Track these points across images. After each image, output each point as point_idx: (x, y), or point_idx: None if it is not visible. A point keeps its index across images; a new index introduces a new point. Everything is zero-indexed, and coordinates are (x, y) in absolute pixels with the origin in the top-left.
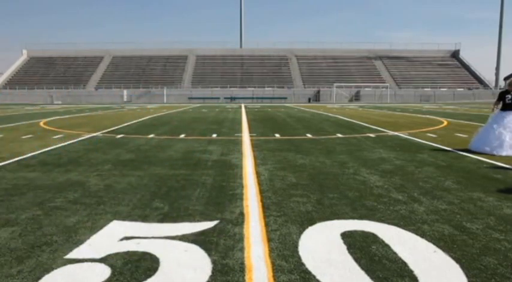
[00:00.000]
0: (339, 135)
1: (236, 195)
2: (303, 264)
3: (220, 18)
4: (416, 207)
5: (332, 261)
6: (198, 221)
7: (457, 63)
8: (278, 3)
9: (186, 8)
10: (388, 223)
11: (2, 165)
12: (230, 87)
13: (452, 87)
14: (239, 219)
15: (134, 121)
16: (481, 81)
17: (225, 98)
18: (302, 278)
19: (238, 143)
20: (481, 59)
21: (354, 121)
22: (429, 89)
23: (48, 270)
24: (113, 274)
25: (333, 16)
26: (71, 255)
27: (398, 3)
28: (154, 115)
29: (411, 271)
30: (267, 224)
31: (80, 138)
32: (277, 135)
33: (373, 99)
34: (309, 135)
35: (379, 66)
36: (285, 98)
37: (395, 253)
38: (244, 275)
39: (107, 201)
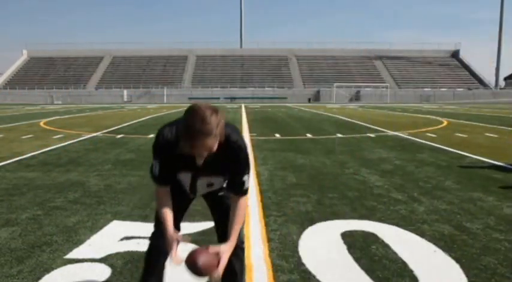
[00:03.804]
0: (339, 135)
1: None
2: (303, 264)
3: (220, 18)
4: (416, 207)
5: (332, 261)
6: (198, 221)
7: (457, 63)
8: (278, 3)
9: (186, 8)
10: (388, 223)
11: (2, 165)
12: (230, 87)
13: (452, 87)
14: None
15: (134, 121)
16: (481, 81)
17: (225, 98)
18: (302, 278)
19: None
20: (481, 59)
21: (354, 121)
22: (429, 89)
23: (48, 270)
24: (113, 274)
25: (333, 16)
26: (71, 255)
27: (398, 3)
28: (155, 115)
29: (411, 271)
30: (267, 224)
31: (80, 138)
32: (277, 135)
33: (373, 99)
34: (309, 135)
35: (379, 66)
36: (285, 98)
37: (395, 253)
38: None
39: (107, 201)
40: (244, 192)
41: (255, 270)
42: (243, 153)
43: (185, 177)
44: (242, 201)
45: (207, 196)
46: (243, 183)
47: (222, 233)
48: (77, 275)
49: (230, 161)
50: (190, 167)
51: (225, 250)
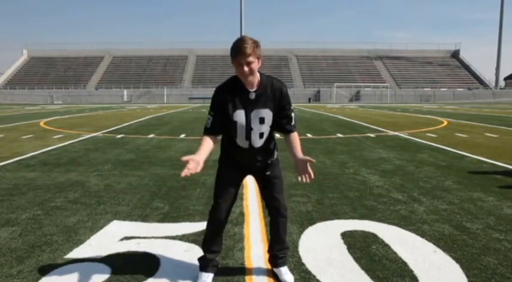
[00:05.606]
0: (339, 135)
1: None
2: (303, 264)
3: (221, 18)
4: (416, 207)
5: (332, 261)
6: (198, 221)
7: (457, 63)
8: (278, 3)
9: (186, 8)
10: (388, 223)
11: (2, 165)
12: None
13: (452, 87)
14: (239, 219)
15: (134, 121)
16: (481, 81)
17: None
18: (302, 278)
19: None
20: (481, 59)
21: (354, 121)
22: (429, 89)
23: (48, 270)
24: (113, 274)
25: (333, 16)
26: (71, 255)
27: (398, 3)
28: (155, 115)
29: (411, 271)
30: (267, 224)
31: (80, 138)
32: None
33: (373, 99)
34: (309, 135)
35: (379, 66)
36: None
37: (395, 253)
38: (244, 275)
39: (107, 201)
40: (293, 127)
41: (255, 270)
42: (286, 89)
43: (240, 116)
44: (294, 135)
45: (257, 177)
46: (290, 118)
47: (270, 205)
48: (77, 275)
49: (276, 96)
50: (244, 103)
51: (301, 157)
